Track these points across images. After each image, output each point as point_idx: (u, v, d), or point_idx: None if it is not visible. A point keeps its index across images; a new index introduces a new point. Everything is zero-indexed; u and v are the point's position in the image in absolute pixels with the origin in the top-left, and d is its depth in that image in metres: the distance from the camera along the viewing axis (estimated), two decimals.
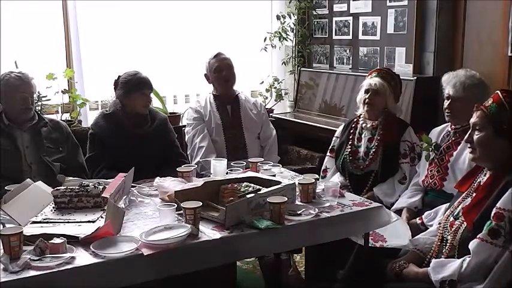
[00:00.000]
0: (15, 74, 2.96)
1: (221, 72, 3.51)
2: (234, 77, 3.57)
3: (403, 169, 3.05)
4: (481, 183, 2.13)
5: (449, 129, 2.85)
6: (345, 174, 3.17)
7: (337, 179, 3.14)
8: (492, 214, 1.96)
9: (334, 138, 3.34)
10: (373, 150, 3.07)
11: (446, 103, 2.78)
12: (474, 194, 2.13)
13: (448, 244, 2.13)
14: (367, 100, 3.09)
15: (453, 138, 2.79)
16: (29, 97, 2.96)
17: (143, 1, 4.35)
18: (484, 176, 2.16)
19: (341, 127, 3.35)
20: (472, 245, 1.97)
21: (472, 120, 2.12)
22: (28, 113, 2.97)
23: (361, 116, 3.20)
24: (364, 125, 3.16)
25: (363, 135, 3.16)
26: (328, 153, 3.33)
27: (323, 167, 3.32)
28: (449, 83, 2.77)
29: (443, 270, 2.01)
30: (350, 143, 3.17)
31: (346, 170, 3.15)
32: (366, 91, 3.11)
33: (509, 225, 1.92)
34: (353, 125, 3.23)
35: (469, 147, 2.17)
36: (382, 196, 3.00)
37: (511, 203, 1.93)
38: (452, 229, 2.12)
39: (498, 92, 2.10)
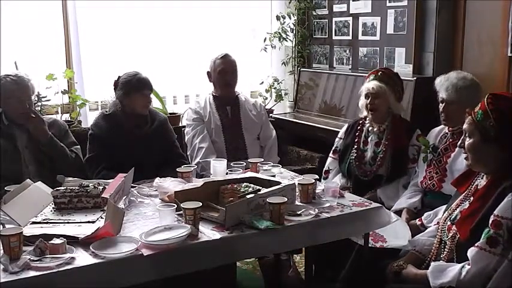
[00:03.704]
0: (10, 78, 2.93)
1: (225, 74, 3.50)
2: (236, 80, 3.57)
3: (410, 174, 3.03)
4: (479, 187, 2.13)
5: (447, 130, 2.85)
6: (350, 179, 3.14)
7: (338, 180, 3.11)
8: (490, 222, 1.95)
9: (337, 139, 3.31)
10: (381, 155, 3.05)
11: (440, 107, 2.79)
12: (471, 199, 2.12)
13: (446, 248, 2.13)
14: (369, 106, 3.07)
15: (451, 140, 2.80)
16: (26, 101, 2.95)
17: (143, 2, 4.35)
18: (482, 178, 2.15)
19: (344, 128, 3.31)
20: (471, 253, 1.96)
21: (464, 125, 2.13)
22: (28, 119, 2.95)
23: (367, 119, 3.16)
24: (370, 128, 3.13)
25: (369, 139, 3.13)
26: (330, 154, 3.30)
27: (325, 168, 3.29)
28: (441, 86, 2.77)
29: (442, 275, 2.00)
30: (356, 146, 3.14)
31: (352, 174, 3.13)
32: (366, 96, 3.09)
33: (507, 233, 1.91)
34: (358, 127, 3.19)
35: (463, 153, 2.17)
36: (385, 199, 2.98)
37: (510, 211, 1.92)
38: (450, 234, 2.12)
39: (486, 97, 2.08)
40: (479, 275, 1.93)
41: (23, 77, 2.98)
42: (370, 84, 3.07)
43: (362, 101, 3.14)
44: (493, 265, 1.92)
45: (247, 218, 2.14)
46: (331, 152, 3.31)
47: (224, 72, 3.50)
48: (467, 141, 2.10)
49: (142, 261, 1.89)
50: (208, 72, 3.59)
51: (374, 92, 3.04)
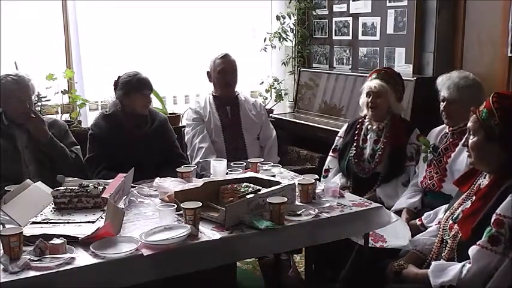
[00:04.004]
0: (11, 77, 2.93)
1: (225, 74, 3.50)
2: (236, 80, 3.57)
3: (408, 172, 3.04)
4: (481, 187, 2.13)
5: (447, 130, 2.85)
6: (349, 176, 3.16)
7: (338, 179, 3.12)
8: (492, 220, 1.95)
9: (337, 138, 3.32)
10: (379, 153, 3.06)
11: (442, 105, 2.79)
12: (474, 198, 2.13)
13: (447, 247, 2.13)
14: (370, 104, 3.09)
15: (451, 140, 2.80)
16: (26, 100, 2.95)
17: (143, 2, 4.35)
18: (484, 178, 2.16)
19: (344, 127, 3.33)
20: (472, 251, 1.97)
21: (468, 124, 2.14)
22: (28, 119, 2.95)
23: (367, 117, 3.18)
24: (369, 126, 3.15)
25: (368, 137, 3.15)
26: (330, 153, 3.32)
27: (325, 167, 3.31)
28: (443, 85, 2.78)
29: (443, 274, 2.00)
30: (355, 144, 3.16)
31: (351, 172, 3.14)
32: (367, 94, 3.10)
33: (509, 232, 1.92)
34: (358, 126, 3.21)
35: (466, 151, 2.18)
36: (385, 198, 2.98)
37: (511, 210, 1.93)
38: (452, 233, 2.12)
39: (491, 95, 2.09)
40: (480, 273, 1.94)
41: (24, 76, 2.98)
42: (372, 82, 3.08)
43: (363, 99, 3.15)
44: (494, 264, 1.92)
45: (247, 218, 2.14)
46: (331, 150, 3.33)
47: (224, 72, 3.50)
48: (471, 139, 2.10)
49: (142, 261, 1.89)
50: (208, 72, 3.59)
51: (376, 91, 3.06)
